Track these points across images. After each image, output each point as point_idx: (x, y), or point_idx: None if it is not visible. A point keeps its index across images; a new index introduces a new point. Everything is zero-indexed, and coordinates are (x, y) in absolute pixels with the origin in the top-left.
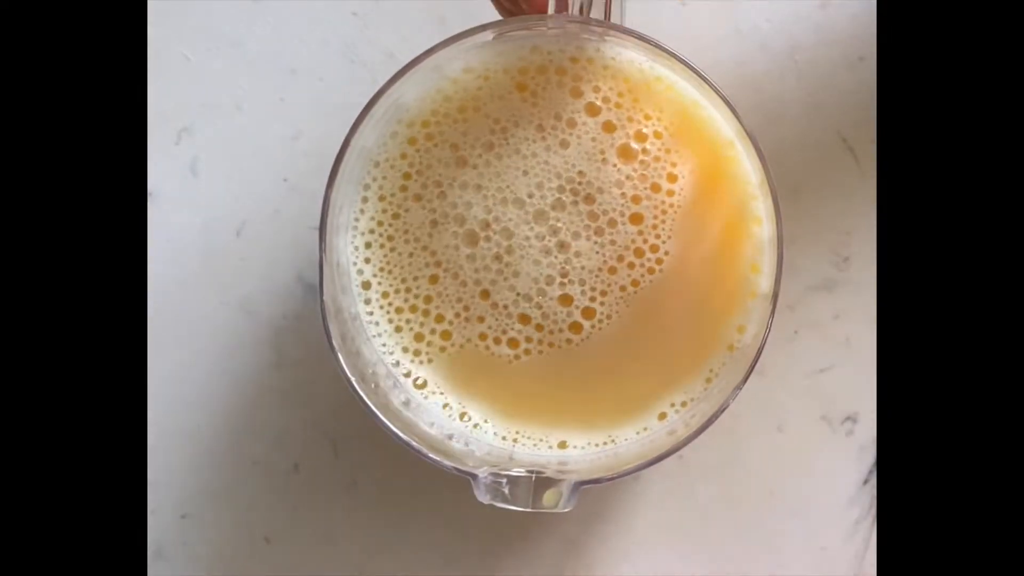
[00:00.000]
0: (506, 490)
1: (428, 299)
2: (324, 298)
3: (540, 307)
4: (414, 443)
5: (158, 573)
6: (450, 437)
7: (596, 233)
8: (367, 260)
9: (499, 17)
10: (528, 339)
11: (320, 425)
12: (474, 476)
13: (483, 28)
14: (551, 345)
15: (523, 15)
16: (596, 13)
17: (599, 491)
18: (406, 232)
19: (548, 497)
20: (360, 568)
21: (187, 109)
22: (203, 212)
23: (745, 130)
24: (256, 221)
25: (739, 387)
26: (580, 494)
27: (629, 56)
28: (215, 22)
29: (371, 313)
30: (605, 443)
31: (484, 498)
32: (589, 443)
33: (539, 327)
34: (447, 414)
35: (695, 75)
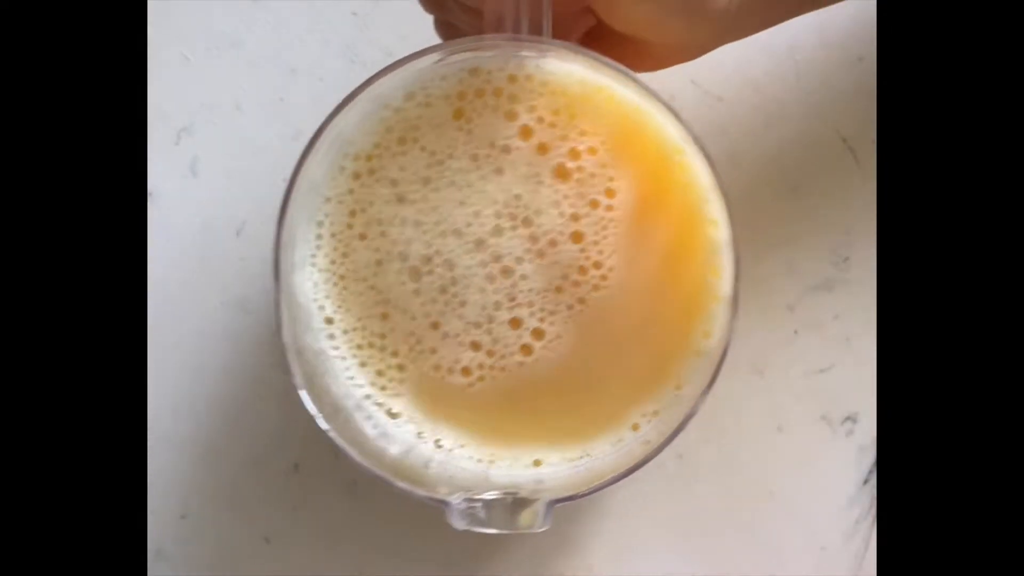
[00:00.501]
0: (481, 514)
1: (382, 336)
2: (284, 338)
3: (490, 333)
4: (385, 475)
5: (158, 573)
6: (427, 464)
7: (538, 255)
8: (327, 296)
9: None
10: (480, 366)
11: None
12: (446, 503)
13: (424, 53)
14: (503, 369)
15: (463, 36)
16: (532, 30)
17: (600, 491)
18: (355, 272)
19: (524, 517)
20: (360, 568)
21: (187, 109)
22: (203, 212)
23: (691, 135)
24: (256, 221)
25: (706, 392)
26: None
27: (569, 69)
28: (215, 22)
29: (337, 348)
30: (580, 458)
31: (460, 524)
32: (564, 459)
33: (490, 352)
34: (422, 442)
35: (637, 83)
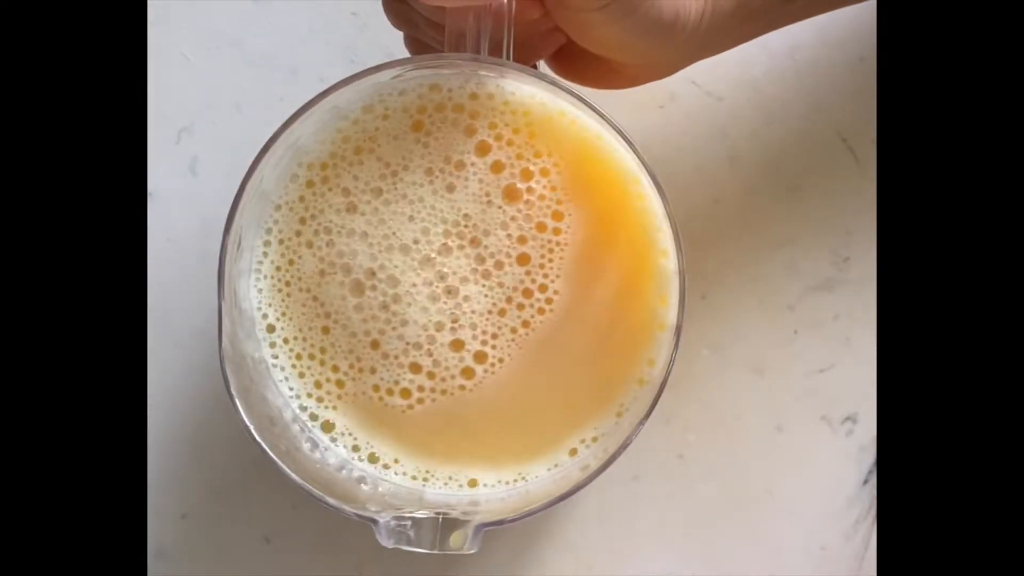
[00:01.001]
0: (411, 533)
1: (323, 350)
2: (223, 343)
3: (431, 355)
4: (314, 490)
5: (158, 573)
6: (360, 480)
7: (483, 276)
8: (270, 304)
9: (406, 55)
10: (420, 388)
11: None
12: (375, 521)
13: (382, 67)
14: (444, 392)
15: (429, 53)
16: (493, 51)
17: (600, 492)
18: (300, 280)
19: (454, 539)
20: (360, 568)
21: (187, 109)
22: (203, 212)
23: (646, 165)
24: None
25: (643, 421)
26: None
27: (530, 91)
28: (215, 22)
29: (276, 357)
30: (516, 480)
31: (388, 542)
32: (499, 481)
33: (431, 375)
34: (356, 456)
35: (596, 111)
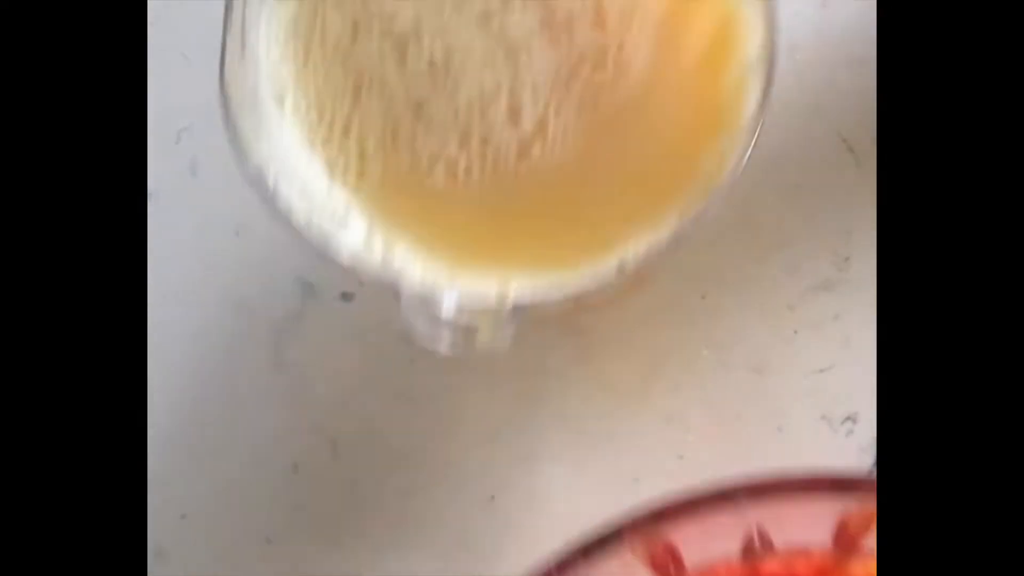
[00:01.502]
0: (433, 328)
1: (348, 121)
2: (226, 85)
3: (484, 122)
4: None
5: (158, 573)
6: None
7: (551, 40)
8: (282, 60)
9: None
10: (468, 160)
11: (319, 425)
12: (397, 292)
13: None
14: (494, 170)
15: None
16: None
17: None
18: (324, 43)
19: (482, 330)
20: (360, 568)
21: (187, 109)
22: (203, 212)
23: None
24: (255, 221)
25: (703, 213)
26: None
27: None
28: (215, 22)
29: (287, 128)
30: (551, 290)
31: (413, 318)
32: (534, 287)
33: (482, 145)
34: (369, 250)
35: None
